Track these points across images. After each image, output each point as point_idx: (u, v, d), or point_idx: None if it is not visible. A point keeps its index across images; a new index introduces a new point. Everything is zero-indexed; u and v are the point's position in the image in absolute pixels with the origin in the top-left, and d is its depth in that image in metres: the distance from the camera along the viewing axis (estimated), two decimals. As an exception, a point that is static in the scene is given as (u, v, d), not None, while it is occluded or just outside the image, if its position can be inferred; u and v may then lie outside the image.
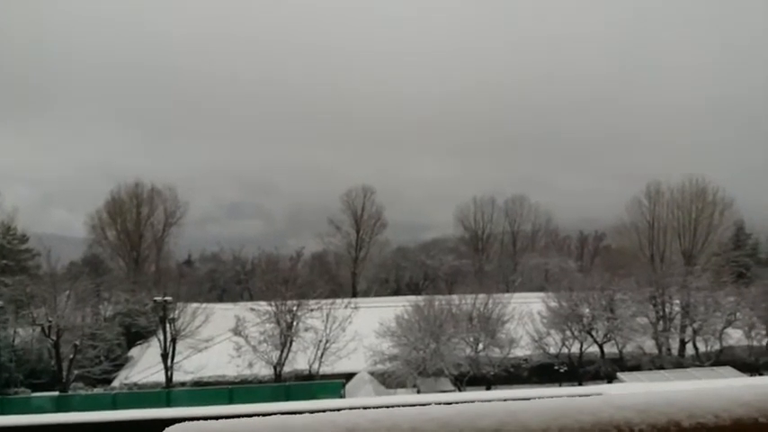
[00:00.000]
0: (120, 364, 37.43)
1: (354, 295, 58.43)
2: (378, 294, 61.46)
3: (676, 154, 74.76)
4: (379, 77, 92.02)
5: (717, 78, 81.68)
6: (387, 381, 33.17)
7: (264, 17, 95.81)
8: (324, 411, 1.30)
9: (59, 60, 79.54)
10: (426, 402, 1.37)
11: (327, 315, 34.72)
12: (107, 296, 43.66)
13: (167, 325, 34.57)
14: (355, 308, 36.79)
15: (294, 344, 34.47)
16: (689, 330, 37.78)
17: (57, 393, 32.53)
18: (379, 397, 23.44)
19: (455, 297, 38.58)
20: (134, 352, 39.97)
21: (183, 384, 34.12)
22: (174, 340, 34.37)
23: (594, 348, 36.32)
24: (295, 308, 34.76)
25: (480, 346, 35.01)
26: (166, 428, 1.22)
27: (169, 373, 33.93)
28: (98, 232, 61.69)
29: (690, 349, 37.83)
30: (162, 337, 34.49)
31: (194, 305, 36.98)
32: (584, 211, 76.32)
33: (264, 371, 34.25)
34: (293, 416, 1.26)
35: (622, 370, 34.12)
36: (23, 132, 76.75)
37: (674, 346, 38.16)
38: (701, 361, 36.07)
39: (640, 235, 63.62)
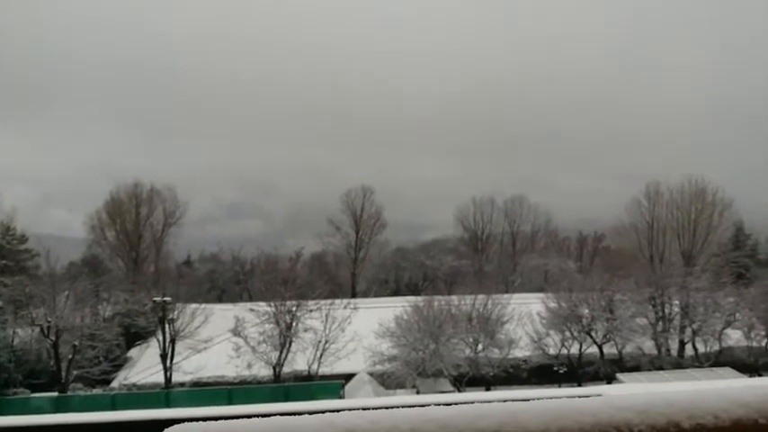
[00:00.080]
0: (119, 364, 37.40)
1: (354, 296, 58.44)
2: (377, 295, 61.44)
3: (676, 154, 74.93)
4: (379, 77, 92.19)
5: (717, 78, 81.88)
6: (386, 381, 33.17)
7: (264, 17, 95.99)
8: (323, 412, 1.30)
9: (59, 60, 79.71)
10: (426, 403, 1.37)
11: (327, 315, 34.70)
12: (106, 296, 43.64)
13: (166, 325, 34.55)
14: (354, 308, 36.78)
15: (293, 344, 34.45)
16: (688, 331, 37.78)
17: (56, 394, 32.50)
18: (379, 398, 23.45)
19: (454, 298, 38.60)
20: (133, 352, 39.95)
21: (182, 385, 34.11)
22: (173, 341, 34.36)
23: (594, 349, 36.33)
24: (294, 308, 34.75)
25: (480, 346, 35.00)
26: (165, 429, 1.22)
27: (168, 373, 33.91)
28: (97, 232, 61.76)
29: (689, 350, 37.83)
30: (161, 338, 34.46)
31: (193, 306, 36.97)
32: (584, 211, 76.45)
33: (264, 371, 34.24)
34: (292, 417, 1.26)
35: (622, 371, 34.11)
36: (23, 132, 76.89)
37: (674, 346, 38.16)
38: (701, 362, 36.07)
39: (640, 235, 63.67)
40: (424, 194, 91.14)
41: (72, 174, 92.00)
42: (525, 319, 37.13)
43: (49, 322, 33.48)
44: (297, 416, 1.26)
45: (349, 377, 33.21)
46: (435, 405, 1.30)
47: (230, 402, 29.41)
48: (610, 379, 32.82)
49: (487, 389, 32.84)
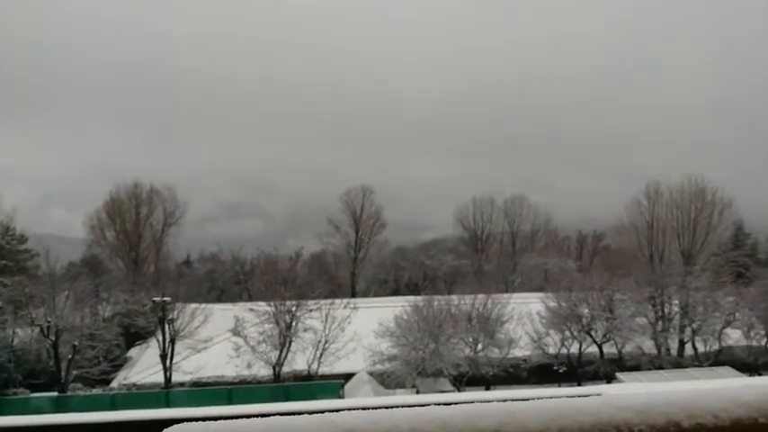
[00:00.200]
0: (118, 364, 37.39)
1: (353, 295, 58.43)
2: (377, 294, 61.46)
3: (676, 154, 75.00)
4: (379, 77, 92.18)
5: (717, 78, 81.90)
6: (386, 381, 33.17)
7: (264, 17, 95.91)
8: (323, 412, 1.30)
9: (59, 60, 79.67)
10: (425, 403, 1.37)
11: (326, 315, 34.70)
12: (106, 296, 43.64)
13: (166, 325, 34.55)
14: (354, 308, 36.78)
15: (293, 344, 34.45)
16: (688, 330, 37.80)
17: (55, 394, 32.50)
18: (378, 397, 23.44)
19: (454, 297, 38.57)
20: (133, 352, 39.95)
21: (181, 385, 34.11)
22: (172, 341, 34.35)
23: (594, 349, 36.34)
24: (294, 308, 34.74)
25: (479, 346, 35.01)
26: (165, 429, 1.22)
27: (168, 373, 33.90)
28: (97, 233, 61.77)
29: (689, 349, 37.84)
30: (161, 338, 34.46)
31: (193, 305, 36.97)
32: (584, 211, 76.47)
33: (263, 371, 34.23)
34: (292, 416, 1.26)
35: (621, 370, 34.12)
36: (23, 132, 76.89)
37: (674, 346, 38.18)
38: (701, 361, 36.09)
39: (639, 235, 63.73)
40: (424, 194, 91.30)
41: (72, 174, 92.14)
42: (525, 319, 37.12)
43: (48, 322, 33.46)
44: (296, 416, 1.27)
45: (349, 377, 33.21)
46: (435, 405, 1.30)
47: (230, 402, 29.41)
48: (609, 378, 32.83)
49: (487, 388, 32.84)
